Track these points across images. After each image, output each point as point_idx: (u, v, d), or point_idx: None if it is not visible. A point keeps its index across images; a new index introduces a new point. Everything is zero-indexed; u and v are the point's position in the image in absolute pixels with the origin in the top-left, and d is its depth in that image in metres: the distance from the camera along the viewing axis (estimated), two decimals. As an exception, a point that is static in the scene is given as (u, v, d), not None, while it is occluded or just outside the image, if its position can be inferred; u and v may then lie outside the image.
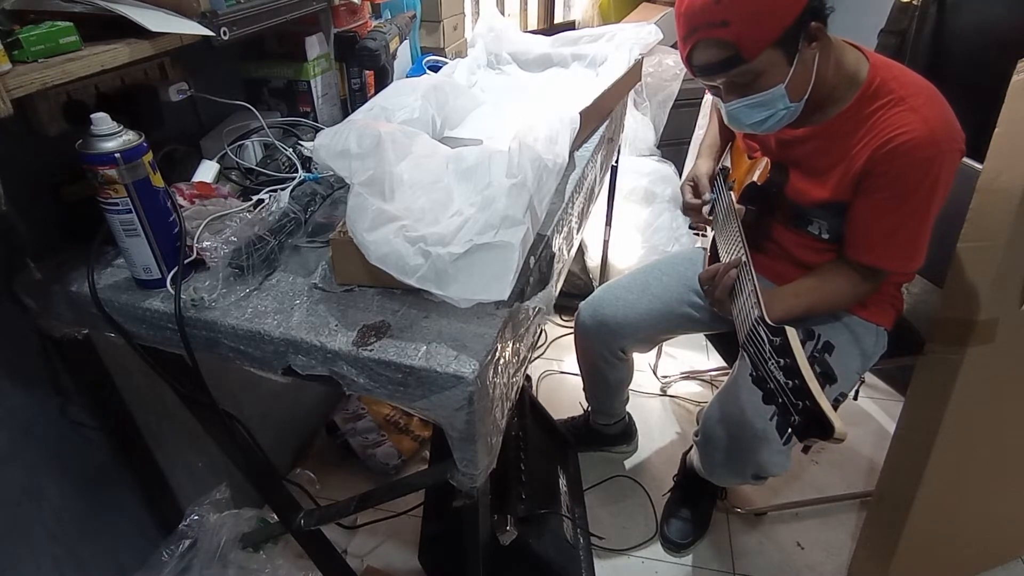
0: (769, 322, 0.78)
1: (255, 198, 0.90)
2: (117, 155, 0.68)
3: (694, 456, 1.34)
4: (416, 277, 0.69)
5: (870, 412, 1.78)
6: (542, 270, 0.87)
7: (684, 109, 2.15)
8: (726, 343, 1.37)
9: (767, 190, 1.12)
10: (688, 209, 1.26)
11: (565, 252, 1.05)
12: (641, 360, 1.85)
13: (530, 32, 1.85)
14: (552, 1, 2.43)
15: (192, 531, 1.06)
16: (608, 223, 1.95)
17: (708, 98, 1.78)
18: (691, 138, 2.05)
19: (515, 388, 0.84)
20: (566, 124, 0.94)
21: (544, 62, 1.49)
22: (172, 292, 0.75)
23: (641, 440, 1.67)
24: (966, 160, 1.00)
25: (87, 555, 1.01)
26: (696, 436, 1.25)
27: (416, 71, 1.38)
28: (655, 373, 1.91)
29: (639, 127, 2.14)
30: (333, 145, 0.77)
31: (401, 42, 1.28)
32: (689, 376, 1.91)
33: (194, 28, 0.78)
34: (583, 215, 1.19)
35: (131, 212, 0.71)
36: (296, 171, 1.00)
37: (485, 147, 0.88)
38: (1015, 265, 0.98)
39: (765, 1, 0.88)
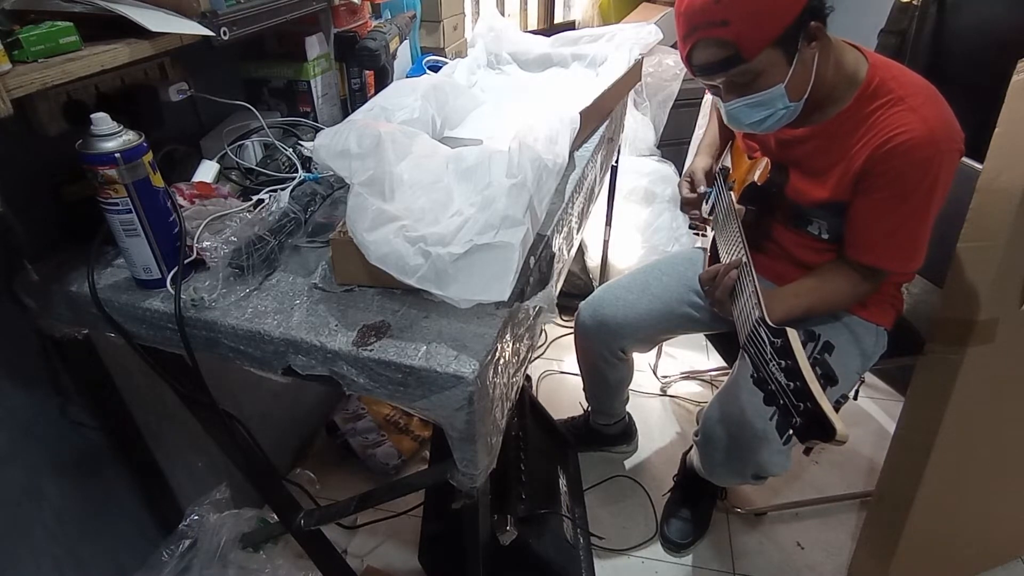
0: (770, 323, 0.78)
1: (255, 198, 0.90)
2: (117, 155, 0.68)
3: (694, 456, 1.34)
4: (416, 277, 0.69)
5: (870, 412, 1.78)
6: (542, 270, 0.87)
7: (684, 109, 2.15)
8: (726, 343, 1.37)
9: (767, 190, 1.12)
10: (685, 204, 1.26)
11: (565, 252, 1.05)
12: (641, 360, 1.85)
13: (530, 32, 1.84)
14: (552, 1, 2.43)
15: (192, 531, 1.06)
16: (608, 223, 1.95)
17: (708, 98, 1.78)
18: (691, 138, 2.05)
19: (515, 388, 0.84)
20: (566, 124, 0.94)
21: (544, 62, 1.49)
22: (172, 292, 0.75)
23: (641, 440, 1.67)
24: (966, 160, 1.00)
25: (87, 555, 1.01)
26: (696, 436, 1.25)
27: (416, 71, 1.38)
28: (655, 373, 1.91)
29: (639, 127, 2.14)
30: (333, 145, 0.77)
31: (401, 42, 1.28)
32: (689, 376, 1.91)
33: (194, 28, 0.78)
34: (583, 215, 1.19)
35: (131, 212, 0.71)
36: (296, 171, 1.00)
37: (485, 147, 0.88)
38: (1015, 265, 0.98)
39: (765, 1, 0.88)
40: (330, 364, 0.71)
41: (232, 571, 1.05)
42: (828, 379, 0.71)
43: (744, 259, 0.95)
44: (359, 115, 0.95)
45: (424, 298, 0.74)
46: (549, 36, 1.55)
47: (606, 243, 2.00)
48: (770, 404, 0.73)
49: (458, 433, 0.70)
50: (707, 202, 1.24)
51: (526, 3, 2.37)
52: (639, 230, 2.02)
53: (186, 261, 0.77)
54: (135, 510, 1.11)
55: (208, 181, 0.93)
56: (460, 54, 1.56)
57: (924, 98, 0.94)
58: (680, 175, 2.10)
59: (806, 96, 0.98)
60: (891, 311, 1.18)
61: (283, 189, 0.94)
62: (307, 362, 0.72)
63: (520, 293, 0.78)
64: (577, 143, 1.11)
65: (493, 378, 0.72)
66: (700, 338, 1.93)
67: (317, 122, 1.17)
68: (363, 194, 0.74)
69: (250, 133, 1.05)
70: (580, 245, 2.03)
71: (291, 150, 1.04)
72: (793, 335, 0.73)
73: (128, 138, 0.69)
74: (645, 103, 2.18)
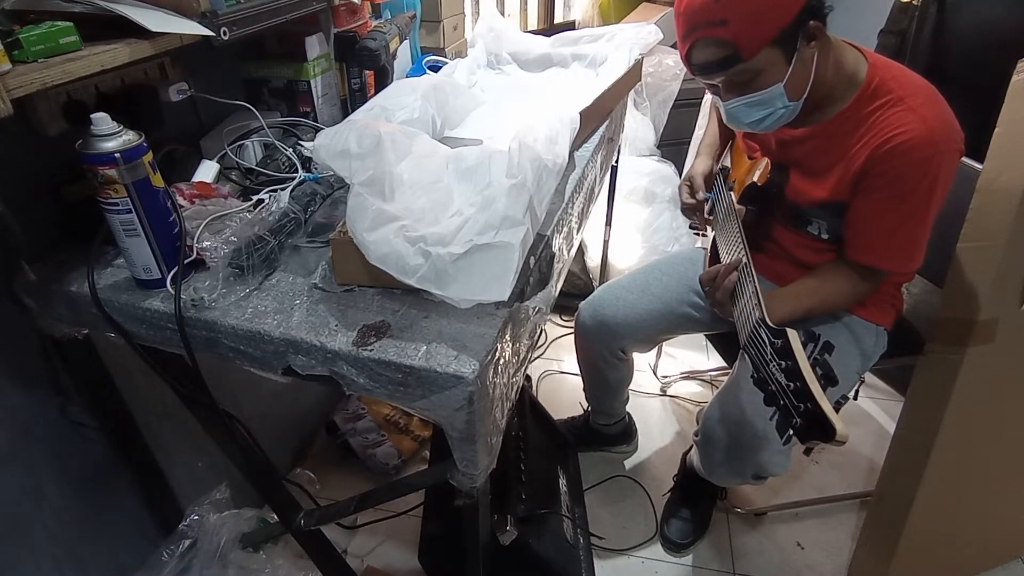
0: (770, 324, 0.78)
1: (255, 198, 0.90)
2: (117, 155, 0.68)
3: (694, 456, 1.34)
4: (416, 277, 0.69)
5: (870, 412, 1.78)
6: (542, 270, 0.87)
7: (684, 109, 2.15)
8: (726, 343, 1.37)
9: (767, 190, 1.12)
10: (685, 209, 1.26)
11: (565, 252, 1.05)
12: (641, 360, 1.85)
13: (530, 32, 1.84)
14: (552, 1, 2.43)
15: (192, 531, 1.06)
16: (608, 223, 1.95)
17: (708, 98, 1.78)
18: (691, 138, 2.05)
19: (515, 388, 0.84)
20: (566, 124, 0.94)
21: (544, 62, 1.49)
22: (172, 292, 0.75)
23: (641, 440, 1.67)
24: (966, 160, 1.00)
25: (87, 555, 1.01)
26: (696, 436, 1.25)
27: (416, 71, 1.38)
28: (655, 373, 1.91)
29: (639, 127, 2.14)
30: (333, 145, 0.77)
31: (401, 42, 1.28)
32: (689, 376, 1.91)
33: (194, 28, 0.78)
34: (583, 215, 1.19)
35: (131, 212, 0.71)
36: (296, 171, 1.00)
37: (485, 147, 0.88)
38: (1015, 265, 0.98)
39: (763, 0, 0.88)
40: (330, 364, 0.71)
41: (232, 571, 1.05)
42: (828, 379, 0.71)
43: (744, 259, 0.95)
44: (359, 115, 0.95)
45: (424, 298, 0.74)
46: (549, 36, 1.55)
47: (606, 243, 2.00)
48: (770, 404, 0.73)
49: (458, 433, 0.70)
50: (707, 203, 1.24)
51: (526, 3, 2.37)
52: (639, 230, 2.02)
53: (186, 261, 0.77)
54: (135, 510, 1.11)
55: (208, 181, 0.93)
56: (460, 54, 1.56)
57: (924, 98, 0.94)
58: (680, 175, 2.12)
59: (805, 95, 0.98)
60: (891, 311, 1.18)
61: (283, 189, 0.94)
62: (307, 362, 0.72)
63: (520, 293, 0.78)
64: (577, 143, 1.11)
65: (493, 378, 0.72)
66: (700, 338, 1.93)
67: (317, 122, 1.17)
68: (363, 194, 0.74)
69: (250, 133, 1.05)
70: (580, 245, 2.03)
71: (291, 150, 1.04)
72: (793, 336, 0.73)
73: (128, 138, 0.69)
74: (645, 103, 2.18)
